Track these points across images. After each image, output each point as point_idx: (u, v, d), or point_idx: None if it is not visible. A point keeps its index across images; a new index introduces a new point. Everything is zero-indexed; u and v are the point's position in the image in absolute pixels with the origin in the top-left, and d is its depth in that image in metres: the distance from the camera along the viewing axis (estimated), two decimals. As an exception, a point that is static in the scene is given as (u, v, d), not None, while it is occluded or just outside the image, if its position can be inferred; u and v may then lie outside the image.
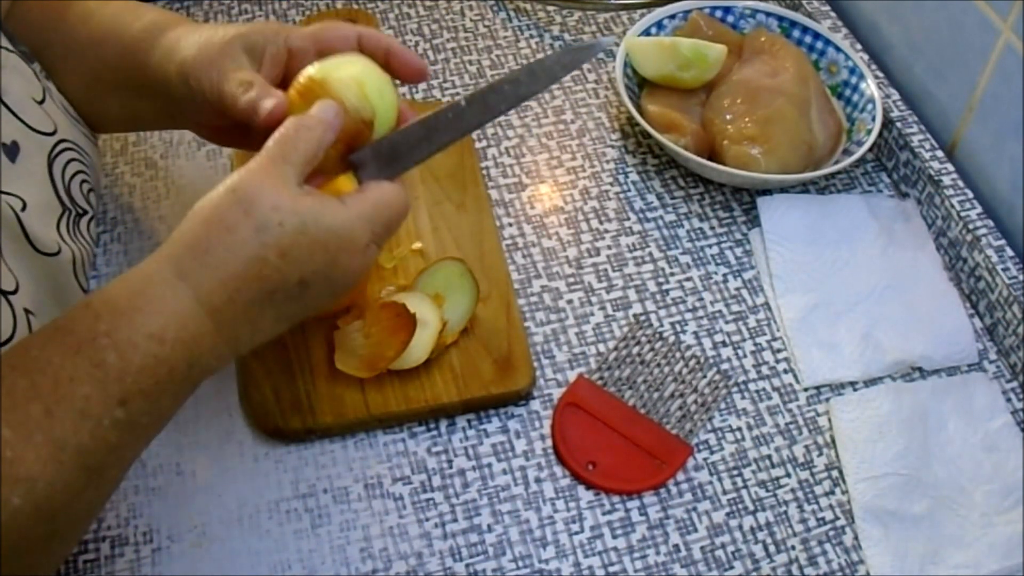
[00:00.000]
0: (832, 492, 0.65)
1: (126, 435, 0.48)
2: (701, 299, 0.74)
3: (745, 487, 0.65)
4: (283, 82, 0.59)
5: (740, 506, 0.64)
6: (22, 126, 0.59)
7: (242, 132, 0.61)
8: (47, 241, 0.60)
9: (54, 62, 0.66)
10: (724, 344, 0.72)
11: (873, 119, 0.80)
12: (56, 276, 0.61)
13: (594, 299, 0.73)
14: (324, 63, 0.57)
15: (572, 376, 0.69)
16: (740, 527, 0.63)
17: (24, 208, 0.58)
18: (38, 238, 0.59)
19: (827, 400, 0.69)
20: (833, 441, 0.67)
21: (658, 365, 0.70)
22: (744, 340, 0.72)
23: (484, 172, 0.81)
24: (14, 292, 0.55)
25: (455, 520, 0.62)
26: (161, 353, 0.48)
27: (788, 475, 0.65)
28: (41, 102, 0.62)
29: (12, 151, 0.58)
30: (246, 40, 0.59)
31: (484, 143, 0.83)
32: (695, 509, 0.63)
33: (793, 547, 0.62)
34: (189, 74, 0.58)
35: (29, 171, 0.59)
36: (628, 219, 0.79)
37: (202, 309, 0.49)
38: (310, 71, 0.56)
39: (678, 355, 0.71)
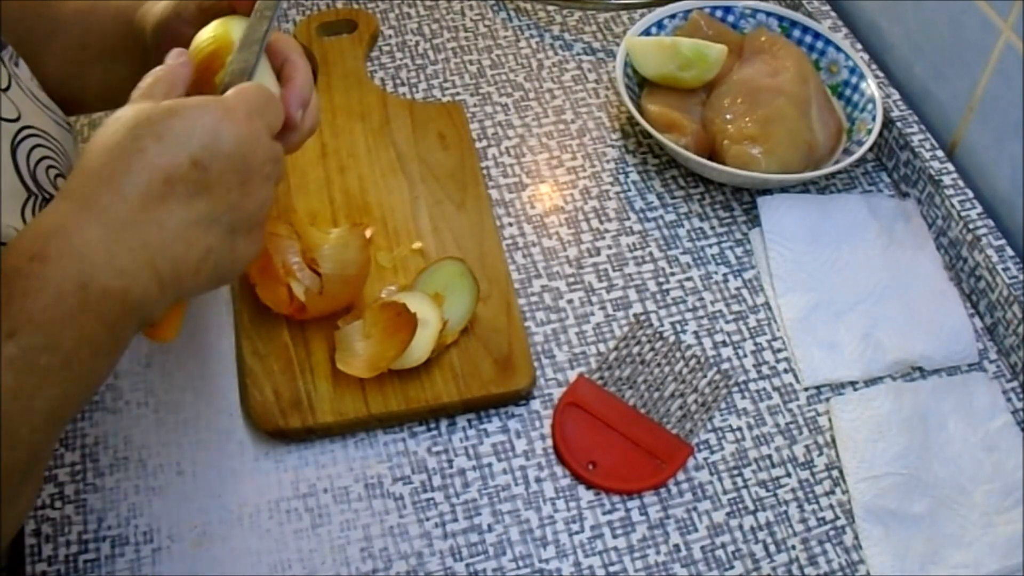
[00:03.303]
0: (832, 492, 0.65)
1: (24, 378, 0.43)
2: (701, 299, 0.74)
3: (745, 487, 0.65)
4: None
5: (740, 506, 0.64)
6: None
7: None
8: (4, 230, 0.60)
9: (40, 40, 0.68)
10: (724, 344, 0.72)
11: (873, 119, 0.80)
12: None
13: (594, 299, 0.73)
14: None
15: (572, 376, 0.69)
16: (740, 527, 0.63)
17: None
18: None
19: (827, 400, 0.69)
20: (833, 441, 0.67)
21: (658, 365, 0.70)
22: (744, 340, 0.72)
23: (484, 172, 0.81)
24: None
25: (455, 520, 0.62)
26: (44, 272, 0.43)
27: (788, 475, 0.65)
28: (6, 89, 0.63)
29: None
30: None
31: (484, 143, 0.83)
32: (695, 509, 0.63)
33: (793, 547, 0.62)
34: (153, 30, 0.62)
35: None
36: (628, 219, 0.79)
37: (81, 210, 0.45)
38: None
39: (678, 355, 0.71)
